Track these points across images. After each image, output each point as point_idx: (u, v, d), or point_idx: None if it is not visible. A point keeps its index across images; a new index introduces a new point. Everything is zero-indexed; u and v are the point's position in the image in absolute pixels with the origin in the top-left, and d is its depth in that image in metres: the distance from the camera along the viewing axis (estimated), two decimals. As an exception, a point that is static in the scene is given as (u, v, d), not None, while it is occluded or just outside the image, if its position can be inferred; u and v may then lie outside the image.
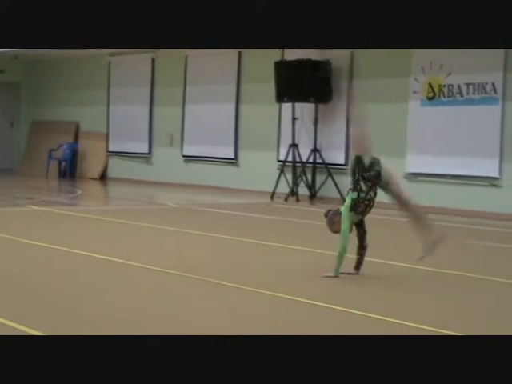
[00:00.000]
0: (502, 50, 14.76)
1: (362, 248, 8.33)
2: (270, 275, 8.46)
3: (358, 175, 8.23)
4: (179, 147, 21.22)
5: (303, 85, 16.98)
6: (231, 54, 19.55)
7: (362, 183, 8.21)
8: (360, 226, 8.35)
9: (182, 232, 11.75)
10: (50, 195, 19.29)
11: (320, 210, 15.38)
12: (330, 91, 17.26)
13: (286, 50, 18.11)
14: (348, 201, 8.19)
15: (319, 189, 17.61)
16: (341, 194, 16.73)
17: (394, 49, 15.49)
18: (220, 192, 18.96)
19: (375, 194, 8.29)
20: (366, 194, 8.20)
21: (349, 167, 17.08)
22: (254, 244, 10.79)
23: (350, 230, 8.17)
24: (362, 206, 8.21)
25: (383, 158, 15.90)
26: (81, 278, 8.07)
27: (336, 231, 8.27)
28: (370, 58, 16.83)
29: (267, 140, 18.89)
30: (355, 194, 8.17)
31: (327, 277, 8.12)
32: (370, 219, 8.46)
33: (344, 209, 8.20)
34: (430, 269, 8.77)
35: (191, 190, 19.66)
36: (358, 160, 8.32)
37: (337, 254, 8.09)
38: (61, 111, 24.33)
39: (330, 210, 8.42)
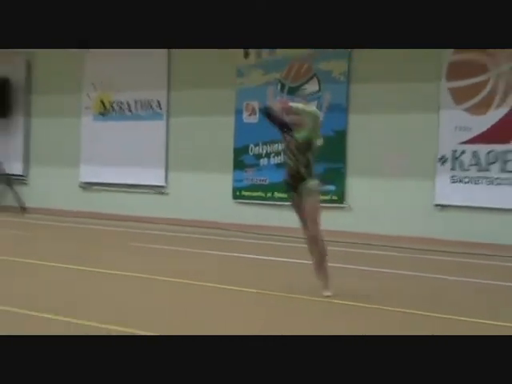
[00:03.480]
0: (165, 71, 14.56)
1: None
2: None
3: None
4: None
5: None
6: None
7: None
8: None
9: None
10: None
11: (1, 218, 14.37)
12: (9, 106, 16.25)
13: None
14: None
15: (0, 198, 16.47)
16: (20, 203, 16.14)
17: (63, 65, 15.59)
18: None
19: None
20: None
21: (25, 177, 15.98)
22: None
23: None
24: None
25: (58, 169, 15.59)
26: None
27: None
28: (45, 73, 16.04)
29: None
30: None
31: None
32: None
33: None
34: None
35: None
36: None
37: None
38: None
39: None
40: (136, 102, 14.84)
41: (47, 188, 15.90)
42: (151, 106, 14.67)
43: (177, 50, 13.92)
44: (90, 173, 15.39)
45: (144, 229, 13.29)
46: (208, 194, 13.98)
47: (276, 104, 6.74)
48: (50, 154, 16.01)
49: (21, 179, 16.35)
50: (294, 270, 8.89)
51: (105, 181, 15.19)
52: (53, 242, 11.27)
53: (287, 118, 6.57)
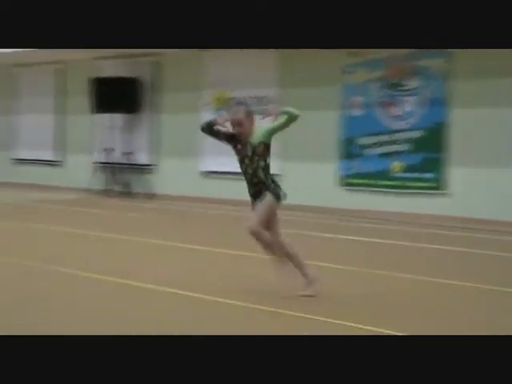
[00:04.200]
0: (277, 70, 15.00)
1: None
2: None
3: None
4: (10, 151, 20.33)
5: (115, 98, 16.71)
6: (49, 70, 19.13)
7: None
8: None
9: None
10: None
11: (132, 203, 15.40)
12: (139, 103, 16.96)
13: (99, 66, 17.76)
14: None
15: (131, 186, 17.20)
16: (148, 190, 16.85)
17: (186, 66, 16.17)
18: (46, 189, 18.35)
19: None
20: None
21: (153, 167, 16.90)
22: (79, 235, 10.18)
23: None
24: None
25: (181, 159, 16.44)
26: None
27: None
28: (170, 74, 16.76)
29: (87, 145, 18.34)
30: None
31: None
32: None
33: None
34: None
35: (21, 188, 18.87)
36: None
37: None
38: None
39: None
40: (250, 98, 15.18)
41: (172, 176, 16.56)
42: (264, 102, 14.99)
43: (287, 51, 14.38)
44: (209, 162, 15.97)
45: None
46: (317, 181, 14.44)
47: (219, 118, 6.21)
48: (174, 146, 16.65)
49: (149, 168, 17.04)
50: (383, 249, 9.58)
51: (222, 169, 15.60)
52: (183, 225, 11.94)
53: (234, 130, 6.07)
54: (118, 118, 17.18)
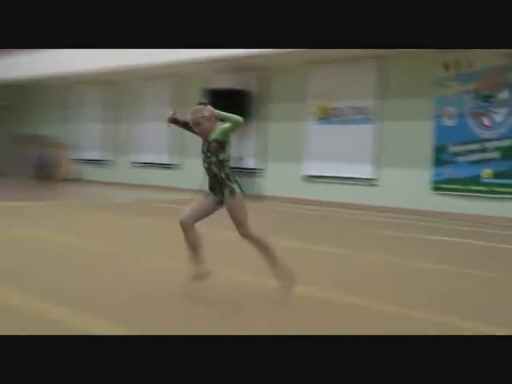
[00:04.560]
0: (375, 81, 15.53)
1: None
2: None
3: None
4: (130, 155, 21.71)
5: (227, 108, 16.72)
6: (164, 82, 20.30)
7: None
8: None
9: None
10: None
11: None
12: (248, 113, 17.40)
13: (211, 79, 18.57)
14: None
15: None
16: (257, 192, 17.45)
17: (292, 79, 16.71)
18: (164, 190, 19.33)
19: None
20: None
21: (261, 171, 17.75)
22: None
23: None
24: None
25: (286, 164, 17.24)
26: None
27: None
28: (277, 86, 17.44)
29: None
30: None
31: None
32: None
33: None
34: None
35: (142, 189, 19.99)
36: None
37: None
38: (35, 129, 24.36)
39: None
40: (350, 109, 15.84)
41: (278, 179, 17.35)
42: (363, 112, 15.63)
43: (386, 64, 15.12)
44: (311, 167, 16.64)
45: (357, 215, 14.11)
46: (411, 185, 14.85)
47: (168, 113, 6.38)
48: (280, 152, 17.41)
49: (257, 172, 17.82)
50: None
51: (324, 174, 16.34)
52: (291, 225, 12.25)
53: (194, 129, 6.16)
54: (229, 127, 18.07)
